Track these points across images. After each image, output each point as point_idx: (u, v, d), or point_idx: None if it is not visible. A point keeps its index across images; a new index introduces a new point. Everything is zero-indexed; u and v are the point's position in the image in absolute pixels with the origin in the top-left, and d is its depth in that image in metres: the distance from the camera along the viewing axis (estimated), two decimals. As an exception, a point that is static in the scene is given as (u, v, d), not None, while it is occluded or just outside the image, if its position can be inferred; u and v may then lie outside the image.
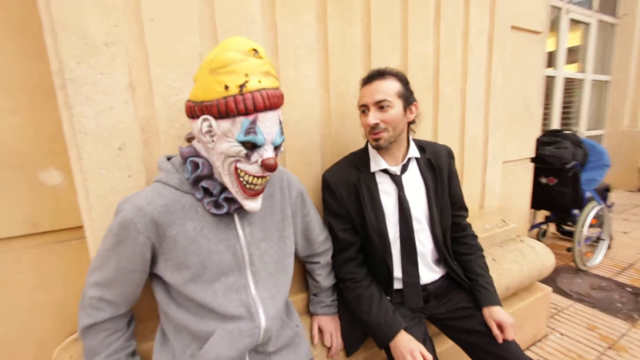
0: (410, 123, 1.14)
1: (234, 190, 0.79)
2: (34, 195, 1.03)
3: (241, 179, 0.78)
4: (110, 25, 0.86)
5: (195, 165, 0.79)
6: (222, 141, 0.74)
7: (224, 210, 0.81)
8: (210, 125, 0.74)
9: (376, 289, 1.11)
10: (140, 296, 0.87)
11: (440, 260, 1.18)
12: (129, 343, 0.88)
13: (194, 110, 0.75)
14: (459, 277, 1.18)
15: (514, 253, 1.72)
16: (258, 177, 0.77)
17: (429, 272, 1.17)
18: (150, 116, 0.94)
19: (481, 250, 1.25)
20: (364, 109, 1.06)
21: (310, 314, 1.21)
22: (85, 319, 0.82)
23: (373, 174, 1.12)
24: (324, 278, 1.15)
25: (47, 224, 1.06)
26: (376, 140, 1.05)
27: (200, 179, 0.79)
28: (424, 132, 1.50)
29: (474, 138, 1.69)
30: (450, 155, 1.24)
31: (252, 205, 0.81)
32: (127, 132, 0.91)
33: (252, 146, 0.74)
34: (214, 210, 0.80)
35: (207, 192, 0.80)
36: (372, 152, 1.13)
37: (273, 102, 0.74)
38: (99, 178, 0.89)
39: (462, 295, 1.18)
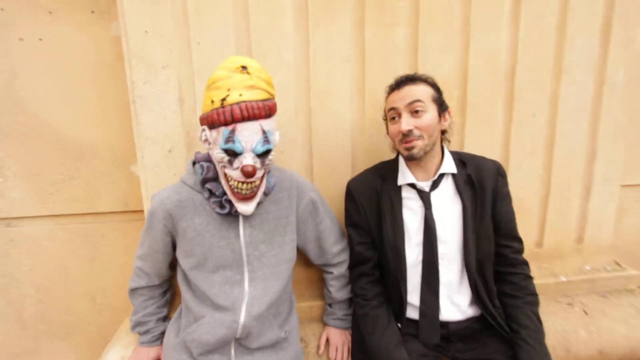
0: (443, 132, 0.99)
1: (228, 193, 0.88)
2: (127, 182, 1.37)
3: (230, 183, 0.86)
4: (167, 51, 1.07)
5: (203, 169, 0.91)
6: (214, 148, 0.84)
7: (226, 210, 0.90)
8: (206, 135, 0.85)
9: (385, 312, 1.01)
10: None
11: (474, 298, 0.98)
12: (161, 310, 1.08)
13: (200, 122, 0.87)
14: (497, 322, 0.96)
15: (625, 309, 1.25)
16: (242, 182, 0.84)
17: (452, 309, 0.98)
18: (193, 124, 1.12)
19: (534, 295, 0.98)
20: (393, 114, 0.97)
21: (323, 322, 1.20)
22: (131, 282, 1.05)
23: (399, 187, 1.02)
24: (337, 290, 1.12)
25: (134, 204, 1.39)
26: (409, 149, 0.94)
27: (206, 181, 0.91)
28: (485, 144, 1.26)
29: (569, 152, 1.31)
30: (499, 172, 1.01)
31: (243, 208, 0.88)
32: (175, 137, 1.11)
33: (233, 153, 0.81)
34: (218, 210, 0.91)
35: (212, 193, 0.91)
36: (402, 164, 1.03)
37: (252, 113, 0.79)
38: (154, 174, 1.12)
39: (499, 345, 0.95)
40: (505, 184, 1.02)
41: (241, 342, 0.93)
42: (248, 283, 0.94)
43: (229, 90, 0.80)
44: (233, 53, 1.10)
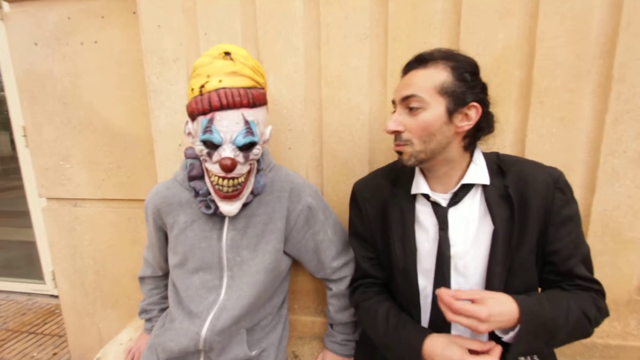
0: (472, 134, 0.73)
1: (211, 191, 0.81)
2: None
3: (211, 179, 0.79)
4: (177, 44, 1.05)
5: (190, 166, 0.86)
6: (195, 141, 0.77)
7: (212, 210, 0.84)
8: (189, 127, 0.79)
9: (396, 306, 0.82)
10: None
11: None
12: (164, 301, 1.09)
13: (184, 131, 0.83)
14: None
15: None
16: (222, 178, 0.76)
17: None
18: (202, 118, 1.09)
19: (599, 309, 0.68)
20: (394, 107, 0.77)
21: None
22: (140, 271, 1.09)
23: (413, 196, 0.80)
24: (337, 310, 0.96)
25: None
26: (399, 153, 0.74)
27: (191, 179, 0.85)
28: (560, 146, 0.92)
29: None
30: (557, 185, 0.70)
31: (225, 207, 0.80)
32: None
33: (212, 145, 0.74)
34: (204, 210, 0.85)
35: (197, 193, 0.86)
36: (417, 171, 0.81)
37: (231, 100, 0.71)
38: (166, 166, 1.14)
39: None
40: (568, 202, 0.71)
41: (209, 354, 0.86)
42: (225, 290, 0.87)
43: (208, 76, 0.73)
44: (239, 41, 1.02)
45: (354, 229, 0.91)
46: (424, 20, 0.93)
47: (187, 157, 0.88)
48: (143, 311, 1.08)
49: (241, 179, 0.79)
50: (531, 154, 0.94)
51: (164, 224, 0.92)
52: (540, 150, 0.93)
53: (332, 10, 0.96)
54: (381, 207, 0.84)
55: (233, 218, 0.87)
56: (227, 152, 0.73)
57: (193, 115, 0.76)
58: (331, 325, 1.01)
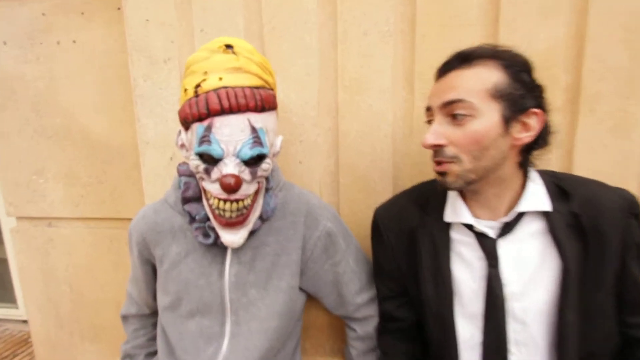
0: (528, 148, 0.60)
1: (210, 217, 0.66)
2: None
3: (210, 202, 0.64)
4: (168, 41, 0.90)
5: (185, 185, 0.70)
6: (189, 155, 0.63)
7: (211, 240, 0.69)
8: (181, 138, 0.65)
9: None
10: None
11: None
12: (152, 343, 0.92)
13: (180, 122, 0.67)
14: None
15: None
16: (224, 201, 0.61)
17: None
18: (197, 127, 0.94)
19: None
20: (429, 116, 0.63)
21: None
22: (122, 308, 0.92)
23: (447, 225, 0.67)
24: (360, 354, 0.81)
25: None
26: (441, 174, 0.60)
27: (186, 201, 0.70)
28: (615, 163, 0.80)
29: None
30: (631, 210, 0.58)
31: (228, 237, 0.65)
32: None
33: (210, 159, 0.59)
34: (201, 239, 0.69)
35: (193, 217, 0.70)
36: (452, 194, 0.67)
37: (235, 102, 0.57)
38: (155, 183, 0.98)
39: None
40: None
41: None
42: (228, 339, 0.71)
43: (205, 73, 0.59)
44: (241, 38, 0.88)
45: (375, 262, 0.77)
46: (458, 16, 0.80)
47: (180, 174, 0.73)
48: (126, 356, 0.90)
49: (247, 202, 0.64)
50: (580, 169, 0.82)
51: (151, 256, 0.76)
52: (590, 164, 0.81)
53: (350, 4, 0.83)
54: (408, 237, 0.70)
55: (237, 249, 0.71)
56: (229, 167, 0.59)
57: (187, 123, 0.61)
58: (351, 370, 0.86)
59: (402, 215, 0.72)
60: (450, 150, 0.57)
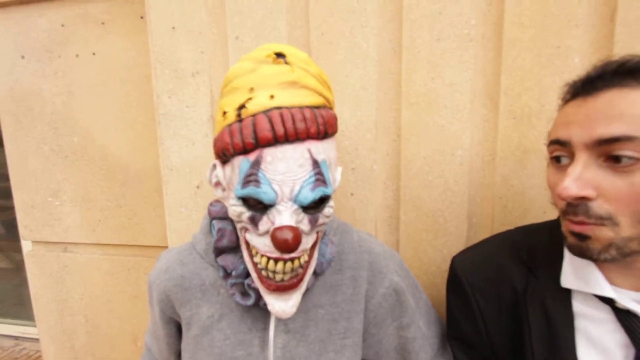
0: None
1: (254, 277, 0.51)
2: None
3: (255, 260, 0.49)
4: (197, 52, 0.77)
5: (218, 232, 0.55)
6: (228, 199, 0.49)
7: (251, 300, 0.53)
8: (217, 175, 0.51)
9: None
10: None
11: None
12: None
13: (215, 153, 0.53)
14: None
15: None
16: (275, 261, 0.46)
17: None
18: (229, 151, 0.80)
19: None
20: (558, 151, 0.44)
21: None
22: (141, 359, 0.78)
23: (567, 291, 0.49)
24: None
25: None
26: (578, 236, 0.42)
27: (220, 252, 0.55)
28: None
29: None
30: None
31: (277, 306, 0.49)
32: (205, 169, 0.81)
33: (258, 205, 0.45)
34: (238, 299, 0.54)
35: (228, 272, 0.55)
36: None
37: (291, 128, 0.42)
38: (179, 215, 0.84)
39: None
40: None
41: None
42: None
43: (251, 90, 0.44)
44: (284, 46, 0.74)
45: (456, 330, 0.59)
46: (559, 15, 0.63)
47: (212, 216, 0.58)
48: None
49: (303, 259, 0.48)
50: None
51: (176, 314, 0.61)
52: None
53: (419, 2, 0.67)
54: (508, 304, 0.52)
55: None
56: (285, 217, 0.43)
57: (225, 156, 0.47)
58: None
59: (499, 274, 0.54)
60: (601, 207, 0.39)
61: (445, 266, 0.72)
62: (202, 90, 0.78)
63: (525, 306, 0.51)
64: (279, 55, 0.46)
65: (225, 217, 0.57)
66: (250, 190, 0.43)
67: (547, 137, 0.46)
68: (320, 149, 0.46)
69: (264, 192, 0.43)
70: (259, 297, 0.53)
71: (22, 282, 2.18)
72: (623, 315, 0.45)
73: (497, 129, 0.68)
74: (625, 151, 0.37)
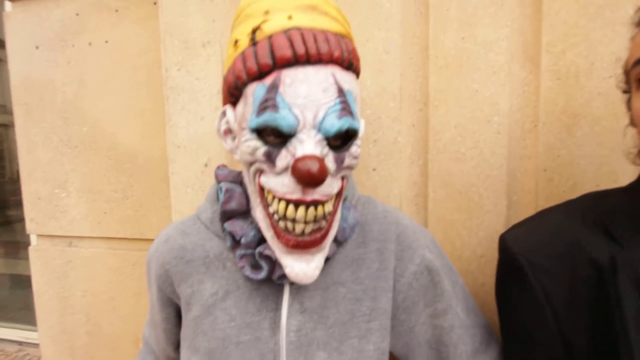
0: None
1: (269, 235, 0.43)
2: (176, 205, 1.10)
3: (271, 210, 0.41)
4: (209, 21, 0.73)
5: (226, 193, 0.49)
6: (240, 137, 0.42)
7: (262, 274, 0.46)
8: (227, 120, 0.45)
9: None
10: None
11: None
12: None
13: (223, 100, 0.47)
14: None
15: None
16: (295, 205, 0.39)
17: None
18: (240, 126, 0.75)
19: None
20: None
21: None
22: (137, 356, 0.70)
23: None
24: None
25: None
26: None
27: (227, 217, 0.48)
28: None
29: None
30: None
31: (298, 268, 0.41)
32: (214, 146, 0.75)
33: (275, 135, 0.38)
34: (248, 273, 0.47)
35: (236, 240, 0.48)
36: None
37: (313, 47, 0.37)
38: (184, 197, 0.78)
39: None
40: None
41: None
42: None
43: (267, 13, 0.39)
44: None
45: (512, 324, 0.50)
46: (608, -40, 0.57)
47: (219, 179, 0.51)
48: None
49: (329, 207, 0.41)
50: None
51: (175, 294, 0.54)
52: None
53: (447, -43, 0.62)
54: (587, 283, 0.43)
55: (299, 289, 0.48)
56: (309, 146, 0.37)
57: (238, 89, 0.41)
58: None
59: (569, 246, 0.45)
60: None
61: (482, 250, 0.63)
62: (212, 60, 0.73)
63: (615, 282, 0.41)
64: None
65: (233, 180, 0.50)
66: (266, 117, 0.37)
67: (626, 67, 0.38)
68: (346, 79, 0.39)
69: (282, 118, 0.36)
70: (272, 269, 0.45)
71: (27, 285, 2.15)
72: None
73: (538, 92, 0.61)
74: None
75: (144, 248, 1.18)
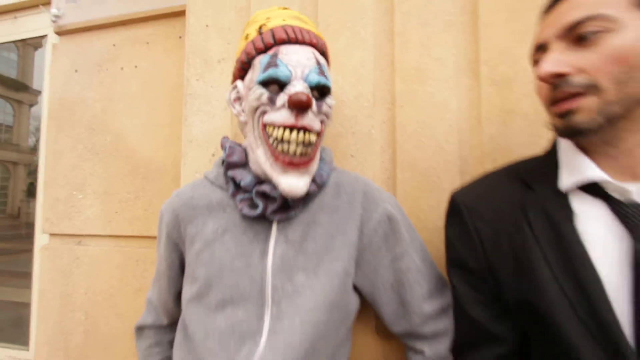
0: None
1: (267, 164, 0.57)
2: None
3: (270, 138, 0.56)
4: (224, 44, 0.93)
5: (229, 149, 0.63)
6: (247, 97, 0.59)
7: (259, 210, 0.58)
8: (237, 92, 0.62)
9: None
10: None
11: None
12: (167, 364, 0.75)
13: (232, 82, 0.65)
14: None
15: None
16: (291, 129, 0.54)
17: None
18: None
19: None
20: (538, 55, 0.52)
21: None
22: (140, 319, 0.78)
23: (564, 195, 0.51)
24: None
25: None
26: (566, 115, 0.47)
27: (230, 167, 0.62)
28: None
29: None
30: None
31: (287, 182, 0.55)
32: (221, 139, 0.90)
33: (276, 84, 0.55)
34: (246, 211, 0.59)
35: (238, 187, 0.61)
36: (568, 149, 0.53)
37: (300, 34, 0.56)
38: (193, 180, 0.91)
39: None
40: None
41: None
42: (266, 337, 0.55)
43: (267, 19, 0.59)
44: (296, 36, 0.89)
45: (455, 259, 0.60)
46: (527, 1, 0.77)
47: (223, 143, 0.66)
48: (134, 384, 0.73)
49: (312, 138, 0.56)
50: None
51: (181, 238, 0.65)
52: None
53: (407, -2, 0.83)
54: (509, 220, 0.54)
55: (285, 226, 0.60)
56: (299, 86, 0.54)
57: (249, 61, 0.59)
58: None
59: (497, 196, 0.57)
60: (580, 78, 0.44)
61: (442, 223, 0.74)
62: (225, 73, 0.92)
63: (526, 216, 0.52)
64: (286, 8, 0.61)
65: (236, 144, 0.65)
66: (270, 72, 0.54)
67: (530, 55, 0.54)
68: (321, 58, 0.58)
69: (281, 71, 0.53)
70: (265, 207, 0.58)
71: (23, 311, 2.15)
72: (615, 204, 0.47)
73: (480, 96, 0.77)
74: (589, 27, 0.44)
75: (149, 245, 1.27)
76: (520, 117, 0.74)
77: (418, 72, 0.80)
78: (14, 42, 1.98)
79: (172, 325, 0.76)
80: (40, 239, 1.47)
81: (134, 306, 1.26)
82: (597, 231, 0.47)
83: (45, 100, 1.50)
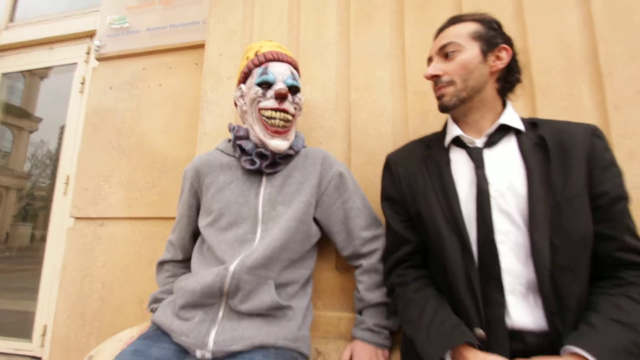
0: (504, 78, 0.81)
1: (262, 134, 0.90)
2: (191, 189, 1.53)
3: (263, 117, 0.90)
4: (232, 67, 1.30)
5: (235, 129, 0.97)
6: (248, 94, 0.93)
7: (257, 165, 0.91)
8: (241, 92, 0.95)
9: (434, 293, 0.75)
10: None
11: (543, 304, 0.63)
12: (178, 291, 1.02)
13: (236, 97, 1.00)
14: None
15: None
16: (275, 110, 0.89)
17: (526, 308, 0.63)
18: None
19: None
20: (428, 64, 0.87)
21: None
22: (161, 257, 1.06)
23: (447, 149, 0.84)
24: (367, 288, 0.88)
25: (192, 210, 1.50)
26: (440, 98, 0.82)
27: (237, 139, 0.95)
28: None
29: None
30: (594, 132, 0.74)
31: (274, 142, 0.89)
32: (227, 132, 1.24)
33: (267, 84, 0.90)
34: (248, 166, 0.92)
35: (243, 151, 0.94)
36: (449, 123, 0.87)
37: (281, 56, 0.93)
38: (205, 163, 1.23)
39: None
40: (606, 149, 0.73)
41: (231, 303, 0.78)
42: (258, 241, 0.86)
43: (261, 47, 0.96)
44: (283, 62, 1.26)
45: (385, 194, 0.92)
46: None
47: (229, 127, 1.00)
48: (155, 300, 1.00)
49: (289, 116, 0.91)
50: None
51: (200, 187, 0.97)
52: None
53: (359, 39, 1.22)
54: (416, 166, 0.86)
55: (271, 176, 0.92)
56: (281, 86, 0.90)
57: (249, 71, 0.94)
58: (359, 312, 0.90)
59: (410, 152, 0.90)
60: (445, 78, 0.80)
61: (378, 184, 1.07)
62: (232, 86, 1.28)
63: (425, 164, 0.85)
64: (270, 41, 0.98)
65: (240, 126, 0.98)
66: (263, 77, 0.89)
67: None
68: (295, 71, 0.94)
69: (270, 77, 0.89)
70: (261, 163, 0.91)
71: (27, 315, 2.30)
72: (469, 150, 0.80)
73: (407, 102, 1.13)
74: (450, 48, 0.80)
75: (160, 224, 1.56)
76: (433, 115, 1.10)
77: (366, 86, 1.17)
78: (47, 68, 2.37)
79: (185, 260, 1.04)
80: (65, 223, 1.74)
81: (146, 275, 1.51)
82: (461, 167, 0.80)
83: (83, 110, 1.86)
